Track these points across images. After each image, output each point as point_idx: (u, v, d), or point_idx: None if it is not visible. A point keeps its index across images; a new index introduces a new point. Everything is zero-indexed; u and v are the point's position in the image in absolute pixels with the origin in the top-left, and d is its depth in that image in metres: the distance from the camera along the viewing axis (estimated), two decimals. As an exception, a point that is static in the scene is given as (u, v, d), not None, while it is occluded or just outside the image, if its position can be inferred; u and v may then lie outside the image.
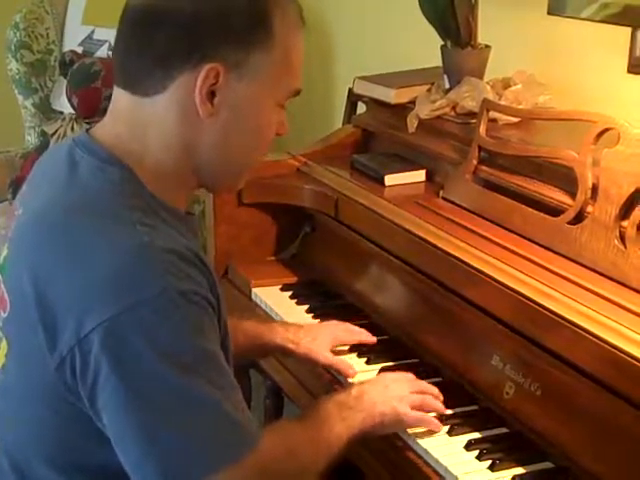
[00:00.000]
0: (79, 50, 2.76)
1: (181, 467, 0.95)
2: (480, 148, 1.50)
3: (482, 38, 1.70)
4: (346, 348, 1.45)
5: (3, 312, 1.04)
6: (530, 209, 1.37)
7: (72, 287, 0.95)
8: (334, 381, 1.41)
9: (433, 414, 1.24)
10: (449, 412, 1.26)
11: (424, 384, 1.29)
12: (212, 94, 1.02)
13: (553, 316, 1.15)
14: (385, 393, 1.23)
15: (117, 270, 0.94)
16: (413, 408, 1.23)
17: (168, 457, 0.95)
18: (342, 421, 1.16)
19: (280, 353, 1.44)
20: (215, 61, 1.01)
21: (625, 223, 1.23)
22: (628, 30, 1.60)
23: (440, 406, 1.26)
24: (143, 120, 1.04)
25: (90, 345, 0.93)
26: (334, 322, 1.47)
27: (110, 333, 0.92)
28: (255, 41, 1.02)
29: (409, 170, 1.67)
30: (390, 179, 1.65)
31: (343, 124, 2.06)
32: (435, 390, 1.28)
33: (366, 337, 1.46)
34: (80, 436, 1.00)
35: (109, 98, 1.10)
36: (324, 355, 1.40)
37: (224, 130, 1.05)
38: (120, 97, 1.07)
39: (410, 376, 1.30)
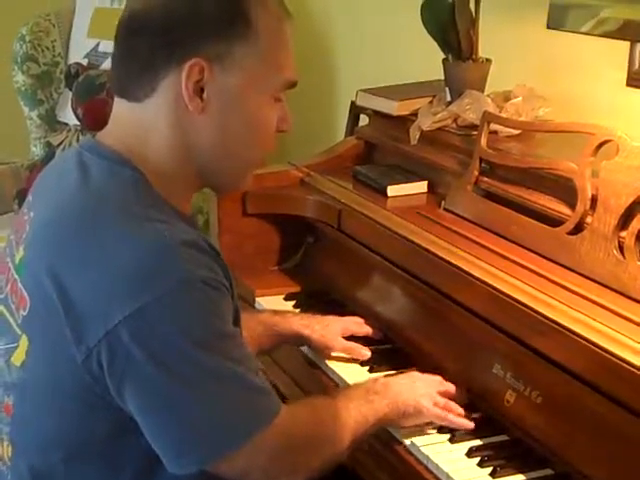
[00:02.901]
0: (84, 62, 2.79)
1: (219, 438, 1.00)
2: (481, 160, 1.52)
3: (483, 52, 1.73)
4: (347, 357, 1.47)
5: (23, 310, 1.06)
6: (530, 220, 1.39)
7: (96, 283, 0.99)
8: (333, 385, 1.42)
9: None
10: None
11: (450, 386, 1.31)
12: (201, 90, 1.05)
13: (553, 324, 1.17)
14: (411, 387, 1.27)
15: (140, 263, 0.98)
16: (436, 406, 1.25)
17: (200, 427, 0.99)
18: (368, 403, 1.20)
19: (296, 340, 1.48)
20: (196, 56, 1.04)
21: (624, 234, 1.25)
22: (627, 44, 1.62)
23: (461, 411, 1.27)
24: (141, 125, 1.08)
25: (119, 336, 0.97)
26: (345, 317, 1.52)
27: (138, 323, 0.96)
28: (235, 33, 1.05)
29: (411, 181, 1.69)
30: (392, 190, 1.67)
31: (346, 136, 2.09)
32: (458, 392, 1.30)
33: (373, 334, 1.51)
34: (103, 427, 1.04)
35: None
36: (338, 340, 1.45)
37: (219, 125, 1.07)
38: (118, 105, 1.11)
39: (438, 378, 1.32)
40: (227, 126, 1.08)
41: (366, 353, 1.45)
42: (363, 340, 1.49)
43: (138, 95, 1.07)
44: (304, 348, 1.51)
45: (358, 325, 1.51)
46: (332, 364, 1.46)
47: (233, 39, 1.05)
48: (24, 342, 1.06)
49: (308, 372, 1.50)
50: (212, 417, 1.00)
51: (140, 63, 1.06)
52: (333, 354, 1.46)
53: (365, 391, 1.22)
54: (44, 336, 1.04)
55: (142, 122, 1.08)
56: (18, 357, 1.07)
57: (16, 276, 1.09)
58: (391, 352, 1.49)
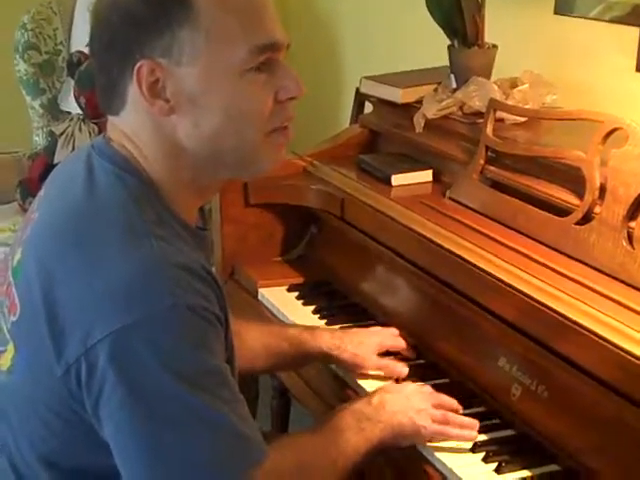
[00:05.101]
0: (86, 51, 2.76)
1: None
2: (487, 148, 1.49)
3: (489, 38, 1.70)
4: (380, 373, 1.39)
5: (13, 316, 1.04)
6: (537, 209, 1.37)
7: (82, 297, 0.95)
8: (341, 382, 1.40)
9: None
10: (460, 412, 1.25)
11: (444, 398, 1.25)
12: (165, 91, 1.00)
13: (559, 317, 1.15)
14: (406, 404, 1.20)
15: (128, 283, 0.93)
16: (434, 422, 1.20)
17: (173, 470, 0.94)
18: (360, 432, 1.14)
19: (324, 360, 1.39)
20: (142, 58, 0.99)
21: (633, 224, 1.22)
22: (636, 30, 1.59)
23: (462, 420, 1.21)
24: (128, 137, 1.04)
25: (97, 355, 0.92)
26: (380, 328, 1.45)
27: (118, 344, 0.92)
28: (174, 21, 0.98)
29: (416, 170, 1.66)
30: (397, 179, 1.64)
31: (350, 124, 2.06)
32: (454, 403, 1.24)
33: (407, 350, 1.43)
34: (81, 442, 1.00)
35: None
36: (371, 359, 1.37)
37: (195, 121, 1.01)
38: (108, 119, 1.08)
39: (430, 389, 1.27)
40: (204, 119, 1.00)
41: (402, 370, 1.35)
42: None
43: (113, 109, 1.05)
44: (333, 365, 1.42)
45: (394, 339, 1.42)
46: (364, 383, 1.36)
47: (174, 27, 0.97)
48: (10, 348, 1.04)
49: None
50: (184, 459, 0.93)
51: (104, 78, 1.04)
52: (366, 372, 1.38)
53: (356, 418, 1.15)
54: (28, 345, 1.01)
55: (127, 134, 1.04)
56: (5, 362, 1.05)
57: (11, 279, 1.06)
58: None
